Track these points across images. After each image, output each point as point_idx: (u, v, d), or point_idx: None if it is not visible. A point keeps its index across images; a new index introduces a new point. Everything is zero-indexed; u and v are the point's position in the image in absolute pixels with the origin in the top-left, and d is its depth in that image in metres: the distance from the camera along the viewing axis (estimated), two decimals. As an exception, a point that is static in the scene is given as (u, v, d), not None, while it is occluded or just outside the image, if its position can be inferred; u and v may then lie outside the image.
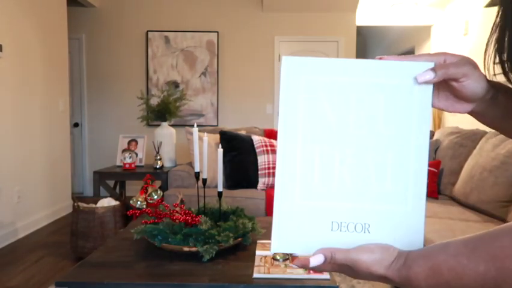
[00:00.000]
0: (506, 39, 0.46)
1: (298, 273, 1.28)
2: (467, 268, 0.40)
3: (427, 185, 0.47)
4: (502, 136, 2.40)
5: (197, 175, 1.60)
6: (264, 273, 1.29)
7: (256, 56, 4.98)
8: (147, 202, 2.73)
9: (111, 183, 3.55)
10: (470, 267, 0.40)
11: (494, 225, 2.14)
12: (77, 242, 2.66)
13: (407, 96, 0.49)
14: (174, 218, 1.50)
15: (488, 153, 2.36)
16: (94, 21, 4.97)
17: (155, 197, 2.74)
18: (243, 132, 3.35)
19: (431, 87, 0.49)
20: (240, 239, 1.53)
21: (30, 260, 2.78)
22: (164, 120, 3.53)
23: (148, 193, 2.76)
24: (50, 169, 3.83)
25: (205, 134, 1.83)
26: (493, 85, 0.52)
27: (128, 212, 1.64)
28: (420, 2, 4.76)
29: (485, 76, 0.51)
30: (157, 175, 3.22)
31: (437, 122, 4.79)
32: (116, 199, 2.88)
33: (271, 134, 3.44)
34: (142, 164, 3.58)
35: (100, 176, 3.27)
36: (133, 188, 4.80)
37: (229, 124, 4.97)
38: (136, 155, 3.48)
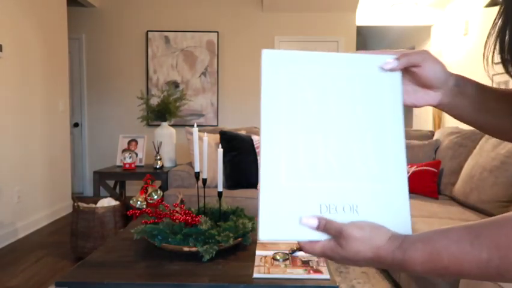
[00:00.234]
0: (507, 38, 0.46)
1: (298, 273, 1.28)
2: (470, 255, 0.39)
3: (408, 171, 0.47)
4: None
5: (197, 175, 1.61)
6: (264, 273, 1.29)
7: (256, 56, 4.98)
8: (147, 202, 2.73)
9: (111, 183, 3.55)
10: (473, 254, 0.39)
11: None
12: (77, 242, 2.66)
13: (379, 84, 0.54)
14: (174, 218, 1.50)
15: (488, 153, 2.36)
16: (94, 21, 4.97)
17: (155, 197, 2.74)
18: (243, 132, 3.35)
19: (399, 75, 0.55)
20: (240, 239, 1.53)
21: (30, 260, 2.78)
22: (164, 120, 3.53)
23: (148, 193, 2.76)
24: (50, 169, 3.83)
25: (205, 134, 1.83)
26: (456, 76, 0.57)
27: (128, 212, 1.64)
28: (420, 2, 4.76)
29: (442, 62, 0.56)
30: (157, 175, 3.22)
31: (437, 122, 4.79)
32: (116, 199, 2.88)
33: (271, 134, 3.44)
34: (142, 164, 3.58)
35: (100, 176, 3.27)
36: (133, 188, 4.80)
37: (229, 124, 4.97)
38: (136, 155, 3.48)
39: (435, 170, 2.83)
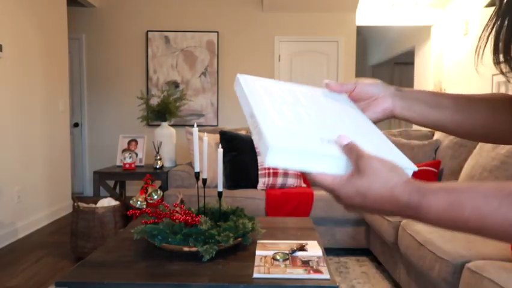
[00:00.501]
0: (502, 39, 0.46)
1: (298, 273, 1.28)
2: (497, 212, 0.38)
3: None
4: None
5: (197, 175, 1.60)
6: (264, 273, 1.29)
7: (256, 56, 4.98)
8: (147, 202, 2.73)
9: (111, 183, 3.55)
10: (500, 212, 0.38)
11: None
12: (77, 242, 2.66)
13: (336, 97, 0.63)
14: (174, 218, 1.50)
15: (488, 153, 2.36)
16: (94, 21, 4.97)
17: (155, 197, 2.74)
18: (243, 132, 3.35)
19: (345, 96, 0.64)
20: (240, 239, 1.53)
21: (30, 260, 2.78)
22: (164, 120, 3.53)
23: (148, 193, 2.76)
24: (50, 169, 3.83)
25: (205, 134, 1.83)
26: (396, 86, 0.63)
27: (128, 212, 1.64)
28: (420, 2, 4.76)
29: (374, 79, 0.64)
30: (157, 175, 3.22)
31: (437, 122, 4.79)
32: (116, 199, 2.88)
33: (271, 134, 3.43)
34: (142, 164, 3.58)
35: (100, 176, 3.27)
36: (133, 188, 4.80)
37: (229, 124, 4.97)
38: (136, 155, 3.48)
39: (436, 170, 2.83)
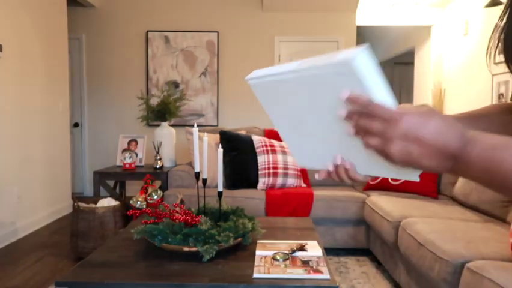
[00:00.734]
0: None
1: (298, 273, 1.28)
2: None
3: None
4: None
5: (197, 175, 1.61)
6: (264, 273, 1.29)
7: (256, 56, 4.98)
8: (147, 202, 2.73)
9: (111, 183, 3.55)
10: None
11: (494, 226, 2.13)
12: (77, 242, 2.66)
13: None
14: (174, 218, 1.50)
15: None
16: (93, 21, 4.97)
17: (155, 197, 2.75)
18: (243, 132, 3.35)
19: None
20: (240, 239, 1.53)
21: (30, 260, 2.78)
22: (164, 120, 3.53)
23: (148, 193, 2.76)
24: (50, 169, 3.83)
25: (205, 134, 1.83)
26: None
27: (128, 212, 1.64)
28: (420, 2, 4.76)
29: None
30: (157, 175, 3.22)
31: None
32: (116, 199, 2.88)
33: (271, 134, 3.44)
34: (142, 164, 3.58)
35: (100, 176, 3.27)
36: (133, 188, 4.80)
37: (229, 124, 4.97)
38: (136, 155, 3.48)
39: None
